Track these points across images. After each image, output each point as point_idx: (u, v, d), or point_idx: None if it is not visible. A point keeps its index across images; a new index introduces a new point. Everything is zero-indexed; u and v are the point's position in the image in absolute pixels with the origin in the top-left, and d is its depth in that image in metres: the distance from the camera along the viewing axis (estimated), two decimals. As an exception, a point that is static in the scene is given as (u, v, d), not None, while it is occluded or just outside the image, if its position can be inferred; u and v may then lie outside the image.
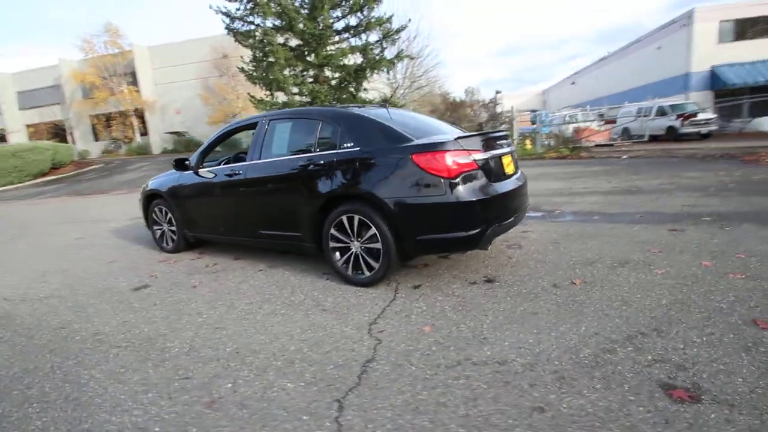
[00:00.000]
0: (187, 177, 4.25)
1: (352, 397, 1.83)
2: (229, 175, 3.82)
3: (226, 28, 15.78)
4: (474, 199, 2.70)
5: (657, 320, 2.28)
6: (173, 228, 4.56)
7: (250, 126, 3.97)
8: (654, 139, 15.67)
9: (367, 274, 3.07)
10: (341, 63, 16.09)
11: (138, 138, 29.41)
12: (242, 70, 15.90)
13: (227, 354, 2.29)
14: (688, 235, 3.79)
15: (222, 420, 1.74)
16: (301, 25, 14.91)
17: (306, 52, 16.15)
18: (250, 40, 15.56)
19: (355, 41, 16.91)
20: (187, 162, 4.16)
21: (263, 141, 3.65)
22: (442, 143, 2.77)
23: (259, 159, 3.64)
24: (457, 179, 2.71)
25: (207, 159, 4.30)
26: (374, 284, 3.08)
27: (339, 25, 15.97)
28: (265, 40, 15.09)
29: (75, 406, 1.91)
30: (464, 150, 2.76)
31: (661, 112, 16.05)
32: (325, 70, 16.69)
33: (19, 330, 2.84)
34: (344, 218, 3.07)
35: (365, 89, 17.96)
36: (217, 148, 4.31)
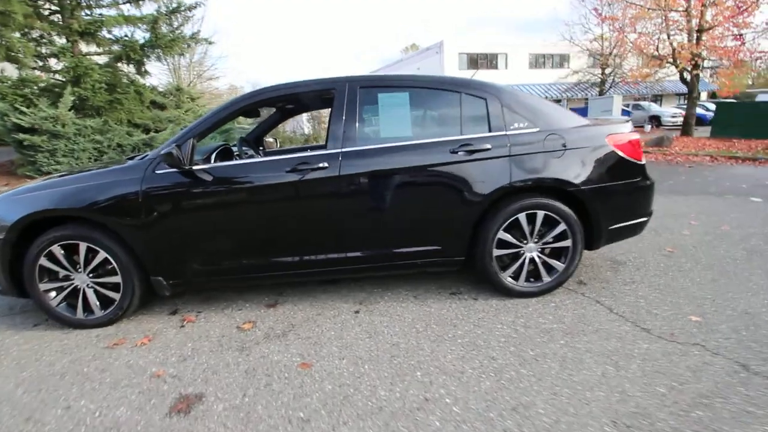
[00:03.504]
0: (167, 179, 2.35)
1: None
2: (298, 171, 2.36)
3: None
4: (653, 180, 2.71)
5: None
6: (107, 280, 2.45)
7: (301, 95, 2.58)
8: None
9: (548, 279, 2.59)
10: (115, 37, 12.16)
11: None
12: None
13: None
14: None
15: None
16: (43, -33, 10.28)
17: (50, 12, 11.32)
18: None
19: (129, 10, 13.09)
20: (170, 154, 2.26)
21: (357, 118, 2.44)
22: (627, 124, 2.65)
23: (356, 144, 2.41)
24: (644, 161, 2.65)
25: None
26: (549, 292, 2.63)
27: (104, -17, 11.93)
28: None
29: None
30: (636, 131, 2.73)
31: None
32: (83, 42, 12.21)
33: None
34: (522, 216, 2.47)
35: (147, 72, 14.29)
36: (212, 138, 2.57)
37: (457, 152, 2.41)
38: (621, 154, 2.56)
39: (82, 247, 2.38)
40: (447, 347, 2.11)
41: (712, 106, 22.99)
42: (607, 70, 23.35)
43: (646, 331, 2.21)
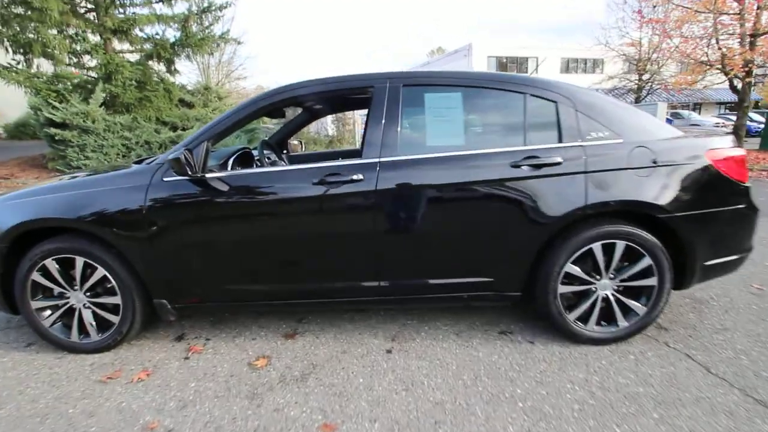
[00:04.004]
0: (176, 187, 2.02)
1: None
2: (327, 183, 1.98)
3: None
4: (758, 207, 2.20)
5: None
6: (106, 300, 2.13)
7: (333, 94, 2.21)
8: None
9: (624, 324, 2.12)
10: (146, 35, 12.22)
11: None
12: (-36, 17, 9.85)
13: None
14: None
15: None
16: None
17: (86, 10, 11.48)
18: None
19: (161, 9, 13.17)
20: (178, 159, 1.92)
21: (398, 122, 2.04)
22: (729, 137, 2.15)
23: (397, 153, 2.01)
24: (749, 183, 2.15)
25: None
26: (624, 339, 2.16)
27: (138, -18, 12.03)
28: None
29: None
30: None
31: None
32: (116, 40, 12.35)
33: None
34: (597, 247, 2.01)
35: (176, 70, 14.35)
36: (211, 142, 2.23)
37: (520, 166, 1.98)
38: (723, 173, 2.06)
39: (79, 262, 2.08)
40: (505, 413, 1.68)
41: (758, 117, 21.44)
42: (645, 76, 22.17)
43: (763, 404, 1.71)
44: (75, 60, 11.25)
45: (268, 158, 2.77)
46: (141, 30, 12.33)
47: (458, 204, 2.03)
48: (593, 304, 2.11)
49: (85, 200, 2.03)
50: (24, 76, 10.20)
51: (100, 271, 2.09)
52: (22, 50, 10.39)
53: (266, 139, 3.20)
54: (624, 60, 22.42)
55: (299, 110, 3.30)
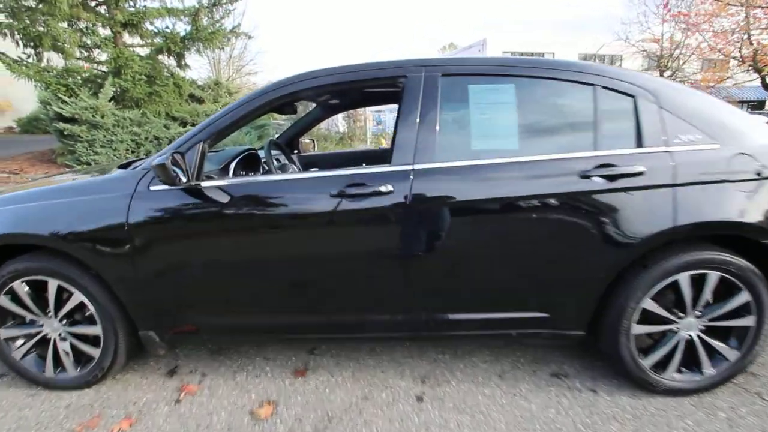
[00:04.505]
0: (166, 198, 1.66)
1: None
2: (348, 196, 1.61)
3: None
4: None
5: None
6: (85, 330, 1.80)
7: (353, 85, 1.83)
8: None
9: (710, 372, 1.71)
10: (156, 29, 12.01)
11: None
12: (-23, 10, 9.72)
13: None
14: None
15: None
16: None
17: (96, 4, 11.27)
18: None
19: (171, 2, 12.92)
20: (162, 166, 1.55)
21: (437, 120, 1.66)
22: None
23: (435, 159, 1.63)
24: None
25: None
26: (709, 390, 1.75)
27: (149, -26, 11.80)
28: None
29: None
30: None
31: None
32: (126, 33, 12.14)
33: None
34: (684, 278, 1.61)
35: (187, 65, 14.14)
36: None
37: (590, 177, 1.58)
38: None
39: (52, 285, 1.75)
40: (578, 500, 1.30)
41: (782, 116, 20.49)
42: (666, 73, 21.31)
43: None
44: (85, 54, 11.10)
45: (277, 160, 2.42)
46: (151, 23, 12.13)
47: (510, 223, 1.63)
48: (674, 348, 1.70)
49: (57, 212, 1.69)
50: (34, 70, 10.06)
51: (78, 296, 1.76)
52: (32, 43, 10.25)
53: (274, 138, 2.84)
54: (644, 56, 21.59)
55: (312, 105, 2.94)
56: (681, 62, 20.22)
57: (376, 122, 15.84)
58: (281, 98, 1.78)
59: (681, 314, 1.68)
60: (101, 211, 1.66)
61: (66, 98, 9.39)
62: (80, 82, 10.25)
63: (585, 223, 1.59)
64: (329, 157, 3.39)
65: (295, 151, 3.02)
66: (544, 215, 1.60)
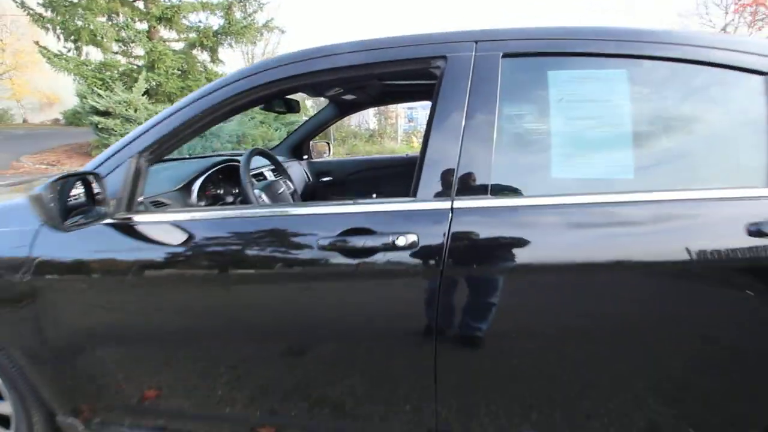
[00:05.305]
0: (85, 240, 1.12)
1: None
2: (345, 251, 0.99)
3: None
4: None
5: None
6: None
7: (368, 74, 1.21)
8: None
9: None
10: (190, 24, 12.04)
11: None
12: (23, 5, 10.04)
13: None
14: None
15: None
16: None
17: (134, -3, 11.37)
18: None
19: (206, -5, 12.94)
20: (39, 198, 0.97)
21: (493, 126, 1.01)
22: None
23: (487, 191, 0.99)
24: None
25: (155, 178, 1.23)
26: None
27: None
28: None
29: None
30: None
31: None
32: (161, 27, 12.22)
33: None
34: None
35: (220, 60, 14.18)
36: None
37: (765, 233, 0.89)
38: None
39: None
40: None
41: None
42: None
43: None
44: (122, 48, 11.24)
45: (263, 177, 1.82)
46: (185, 17, 12.21)
47: (629, 306, 0.96)
48: None
49: None
50: (73, 64, 10.26)
51: None
52: (72, 38, 10.47)
53: (260, 146, 2.27)
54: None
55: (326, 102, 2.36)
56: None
57: (407, 119, 14.83)
58: (252, 91, 1.17)
59: None
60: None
61: (101, 92, 9.49)
62: (116, 76, 10.37)
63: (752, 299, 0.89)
64: (347, 165, 2.76)
65: (305, 157, 2.46)
66: (691, 294, 0.92)
